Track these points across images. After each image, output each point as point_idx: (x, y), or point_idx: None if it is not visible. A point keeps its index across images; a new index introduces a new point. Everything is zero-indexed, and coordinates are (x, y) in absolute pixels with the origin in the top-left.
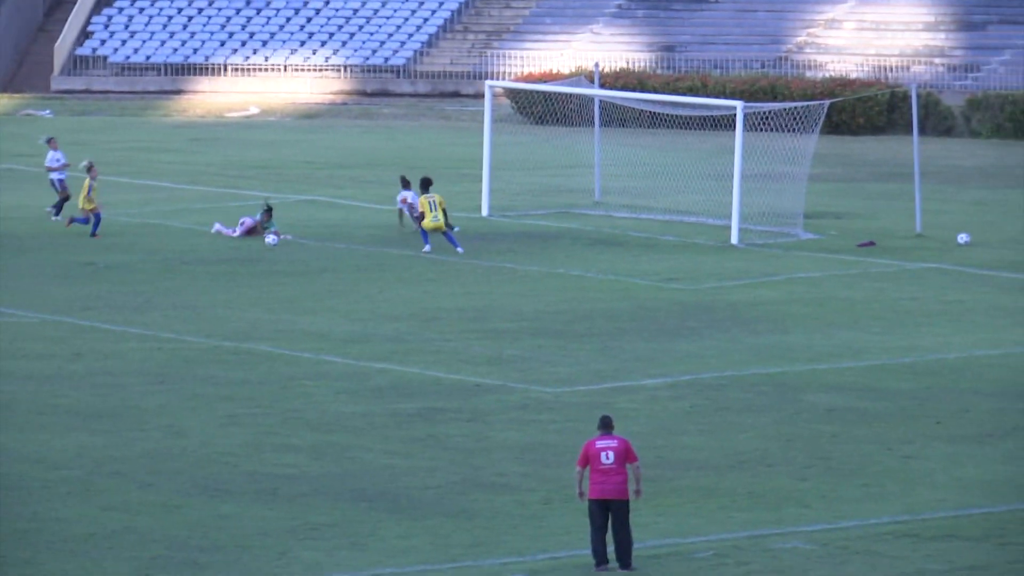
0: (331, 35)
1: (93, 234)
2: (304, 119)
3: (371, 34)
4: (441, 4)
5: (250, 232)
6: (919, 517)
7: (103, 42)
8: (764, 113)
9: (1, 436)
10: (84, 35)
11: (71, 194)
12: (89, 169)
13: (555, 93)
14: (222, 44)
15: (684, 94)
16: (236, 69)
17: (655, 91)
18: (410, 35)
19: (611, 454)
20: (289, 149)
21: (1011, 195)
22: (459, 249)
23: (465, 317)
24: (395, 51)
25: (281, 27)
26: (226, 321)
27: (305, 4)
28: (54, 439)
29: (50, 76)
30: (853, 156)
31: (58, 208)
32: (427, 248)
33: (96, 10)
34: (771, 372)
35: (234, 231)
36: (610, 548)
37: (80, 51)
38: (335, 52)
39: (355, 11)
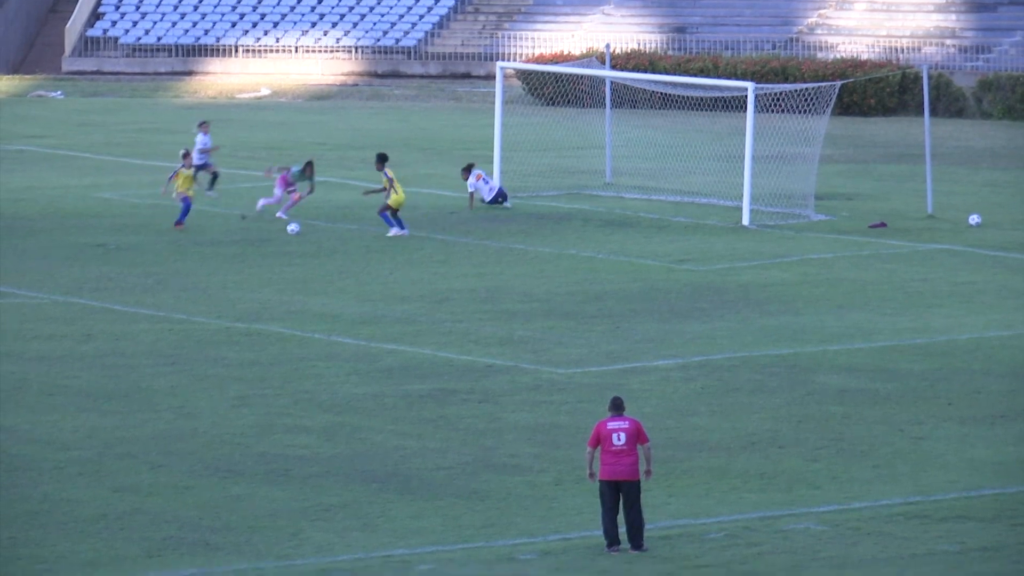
0: (342, 16)
1: (179, 222)
2: (315, 100)
3: (382, 15)
4: None
5: (287, 185)
6: (930, 498)
7: (114, 23)
8: (775, 94)
9: (12, 417)
10: (95, 16)
11: (219, 171)
12: (185, 156)
13: (566, 74)
14: (233, 25)
15: (695, 75)
16: (247, 50)
17: (666, 72)
18: (421, 16)
19: (622, 435)
20: (300, 131)
21: (1022, 176)
22: (405, 231)
23: (476, 298)
24: (406, 32)
25: (292, 8)
26: (237, 302)
27: None
28: (65, 420)
29: (61, 57)
30: (864, 137)
31: (212, 182)
32: (403, 231)
33: None
34: (782, 353)
35: (270, 199)
36: (622, 529)
37: (91, 32)
38: (346, 33)
39: None
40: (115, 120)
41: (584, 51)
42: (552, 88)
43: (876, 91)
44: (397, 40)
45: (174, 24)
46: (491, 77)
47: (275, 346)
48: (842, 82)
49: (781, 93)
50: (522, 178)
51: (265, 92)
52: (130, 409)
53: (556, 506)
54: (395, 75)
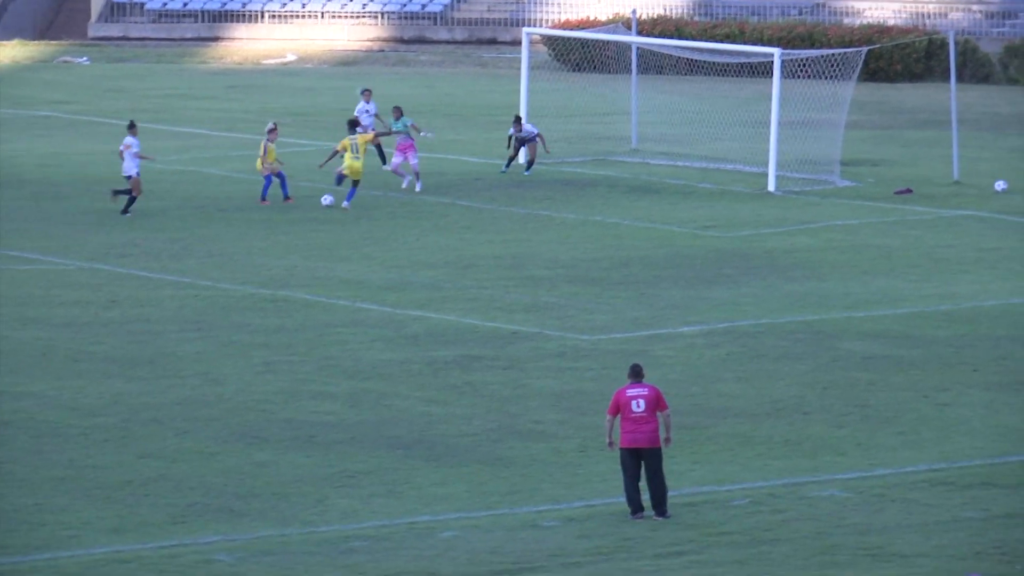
0: None
1: (263, 198)
2: (341, 66)
3: None
4: None
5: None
6: (955, 465)
7: None
8: (801, 60)
9: (38, 383)
10: None
11: (380, 141)
12: (271, 131)
13: (592, 40)
14: None
15: (721, 41)
16: (273, 16)
17: (692, 38)
18: None
19: (642, 402)
20: (326, 96)
21: None
22: (340, 202)
23: (501, 265)
24: None
25: None
26: (262, 268)
27: None
28: (90, 386)
29: (87, 23)
30: (890, 103)
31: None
32: (330, 201)
33: None
34: (807, 320)
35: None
36: (645, 496)
37: None
38: None
39: None
40: (141, 86)
41: (610, 17)
42: (578, 54)
43: (902, 57)
44: (423, 6)
45: None
46: (517, 43)
47: (300, 312)
48: (868, 48)
49: (807, 59)
50: (548, 144)
51: (291, 58)
52: (155, 375)
53: (581, 473)
54: (421, 41)
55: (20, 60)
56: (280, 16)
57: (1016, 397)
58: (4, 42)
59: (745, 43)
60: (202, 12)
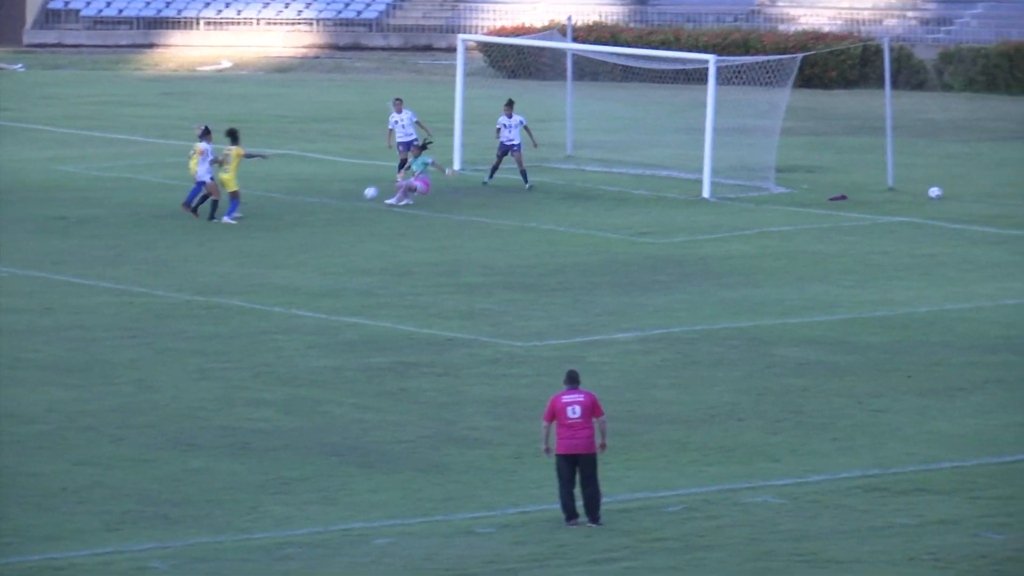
0: None
1: (186, 205)
2: (276, 73)
3: None
4: None
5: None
6: (889, 471)
7: None
8: (737, 67)
9: None
10: None
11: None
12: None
13: (528, 47)
14: None
15: (657, 47)
16: (208, 23)
17: (628, 44)
18: None
19: (578, 408)
20: (261, 103)
21: (983, 148)
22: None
23: (437, 271)
24: (367, 5)
25: None
26: (197, 275)
27: None
28: (26, 393)
29: (22, 30)
30: (825, 110)
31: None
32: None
33: None
34: (742, 326)
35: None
36: (580, 502)
37: (52, 4)
38: (307, 5)
39: None
40: (76, 93)
41: (546, 23)
42: (514, 60)
43: (837, 63)
44: (358, 12)
45: None
46: (452, 49)
47: (235, 319)
48: (803, 54)
49: (742, 66)
50: (483, 151)
51: (226, 65)
52: (90, 382)
53: (516, 479)
54: (356, 47)
55: None
56: (215, 23)
57: (949, 403)
58: None
59: (680, 50)
60: (137, 19)
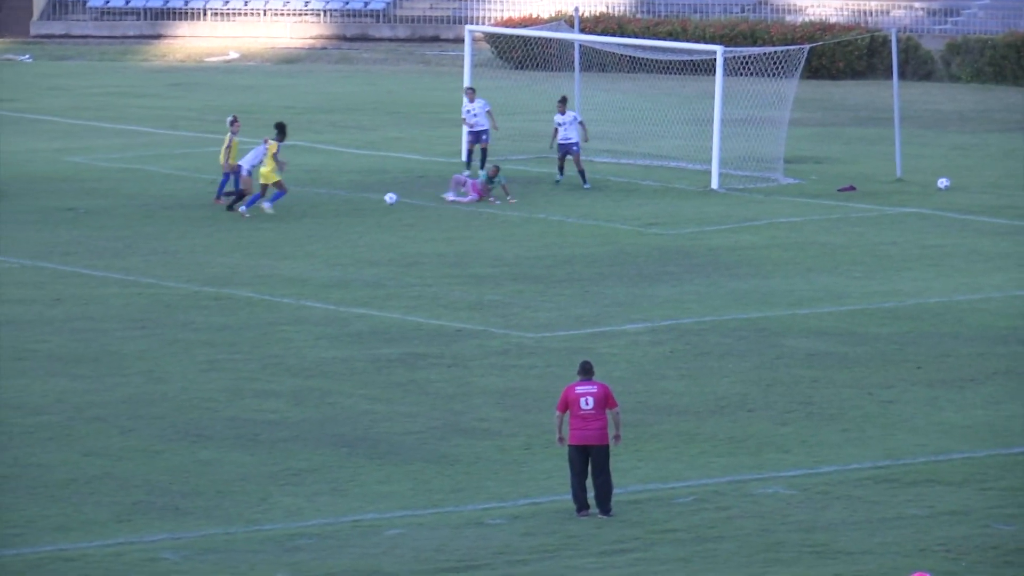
0: None
1: (217, 198)
2: (284, 64)
3: None
4: None
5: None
6: (899, 462)
7: None
8: (744, 58)
9: None
10: None
11: (487, 146)
12: (232, 123)
13: (535, 38)
14: None
15: (664, 39)
16: (216, 14)
17: (635, 36)
18: None
19: (591, 399)
20: (269, 94)
21: (990, 139)
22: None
23: (445, 262)
24: None
25: None
26: (206, 266)
27: None
28: (34, 384)
29: (29, 21)
30: (833, 101)
31: (468, 158)
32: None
33: None
34: (751, 317)
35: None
36: (591, 494)
37: None
38: None
39: None
40: (83, 84)
41: (553, 14)
42: (521, 52)
43: (845, 54)
44: (366, 3)
45: None
46: (460, 40)
47: (244, 310)
48: (811, 45)
49: (750, 56)
50: (491, 142)
51: (233, 56)
52: (99, 373)
53: (525, 470)
54: (364, 39)
55: None
56: (222, 14)
57: (959, 394)
58: None
59: (687, 41)
60: (144, 10)
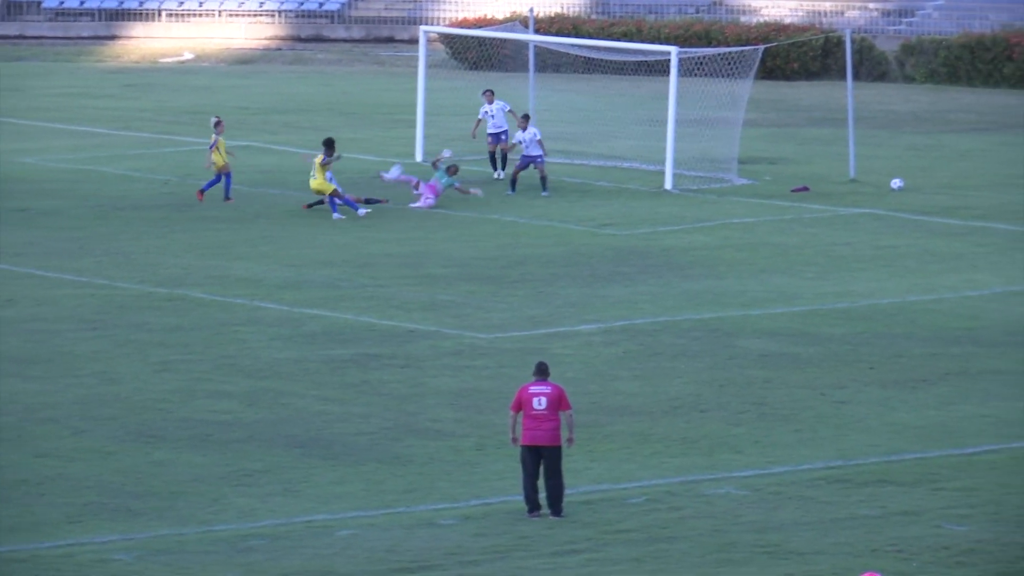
0: None
1: (226, 198)
2: (238, 65)
3: None
4: None
5: (434, 193)
6: (852, 462)
7: None
8: (698, 58)
9: None
10: None
11: (508, 148)
12: (216, 125)
13: (489, 38)
14: None
15: (619, 39)
16: (170, 14)
17: (590, 36)
18: None
19: (544, 400)
20: (223, 95)
21: (945, 140)
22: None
23: (399, 263)
24: None
25: None
26: (159, 267)
27: None
28: None
29: None
30: (787, 101)
31: (497, 163)
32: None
33: None
34: (705, 317)
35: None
36: (543, 494)
37: None
38: None
39: None
40: (38, 85)
41: (508, 15)
42: (475, 52)
43: (799, 55)
44: (320, 4)
45: None
46: (414, 41)
47: (197, 311)
48: (765, 46)
49: (704, 57)
50: (445, 142)
51: (188, 56)
52: (52, 374)
53: (478, 471)
54: (318, 39)
55: None
56: (177, 14)
57: (912, 395)
58: None
59: (642, 41)
60: (99, 11)
